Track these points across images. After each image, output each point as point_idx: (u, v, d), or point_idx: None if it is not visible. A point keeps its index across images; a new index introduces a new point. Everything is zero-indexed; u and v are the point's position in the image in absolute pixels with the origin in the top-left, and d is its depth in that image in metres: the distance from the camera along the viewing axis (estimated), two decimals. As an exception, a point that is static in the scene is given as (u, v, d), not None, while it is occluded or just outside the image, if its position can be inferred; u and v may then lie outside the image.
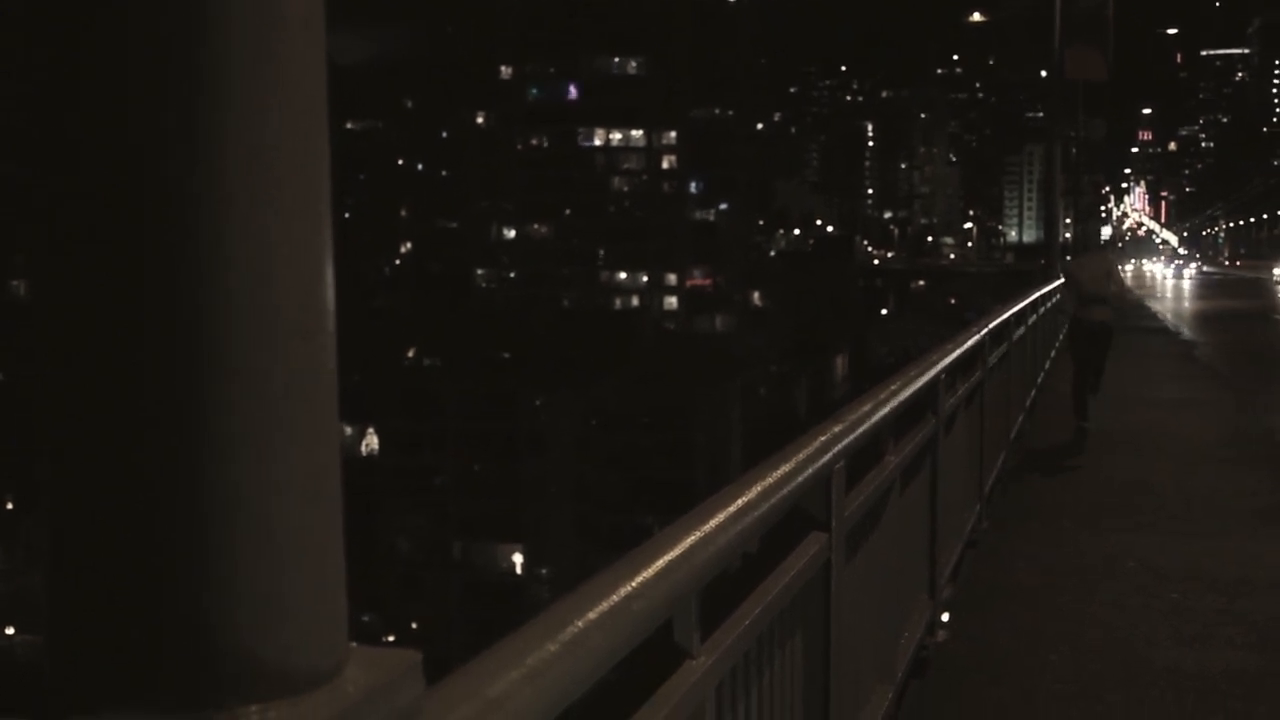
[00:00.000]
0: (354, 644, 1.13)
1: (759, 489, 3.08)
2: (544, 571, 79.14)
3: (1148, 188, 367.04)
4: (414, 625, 74.40)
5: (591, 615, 2.02)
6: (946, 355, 6.96)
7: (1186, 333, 32.70)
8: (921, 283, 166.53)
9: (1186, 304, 54.67)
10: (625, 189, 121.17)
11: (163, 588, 1.02)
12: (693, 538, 2.58)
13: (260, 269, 1.02)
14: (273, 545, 1.04)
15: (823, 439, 3.81)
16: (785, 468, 3.34)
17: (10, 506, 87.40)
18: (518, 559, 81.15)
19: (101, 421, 1.02)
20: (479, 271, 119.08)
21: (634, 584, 2.24)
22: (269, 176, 1.03)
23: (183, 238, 1.00)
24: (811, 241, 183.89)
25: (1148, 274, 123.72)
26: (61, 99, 1.02)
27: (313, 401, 1.06)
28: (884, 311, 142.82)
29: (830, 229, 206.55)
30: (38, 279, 1.05)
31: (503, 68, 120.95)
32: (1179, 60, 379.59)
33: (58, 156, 1.03)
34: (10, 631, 76.13)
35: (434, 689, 1.48)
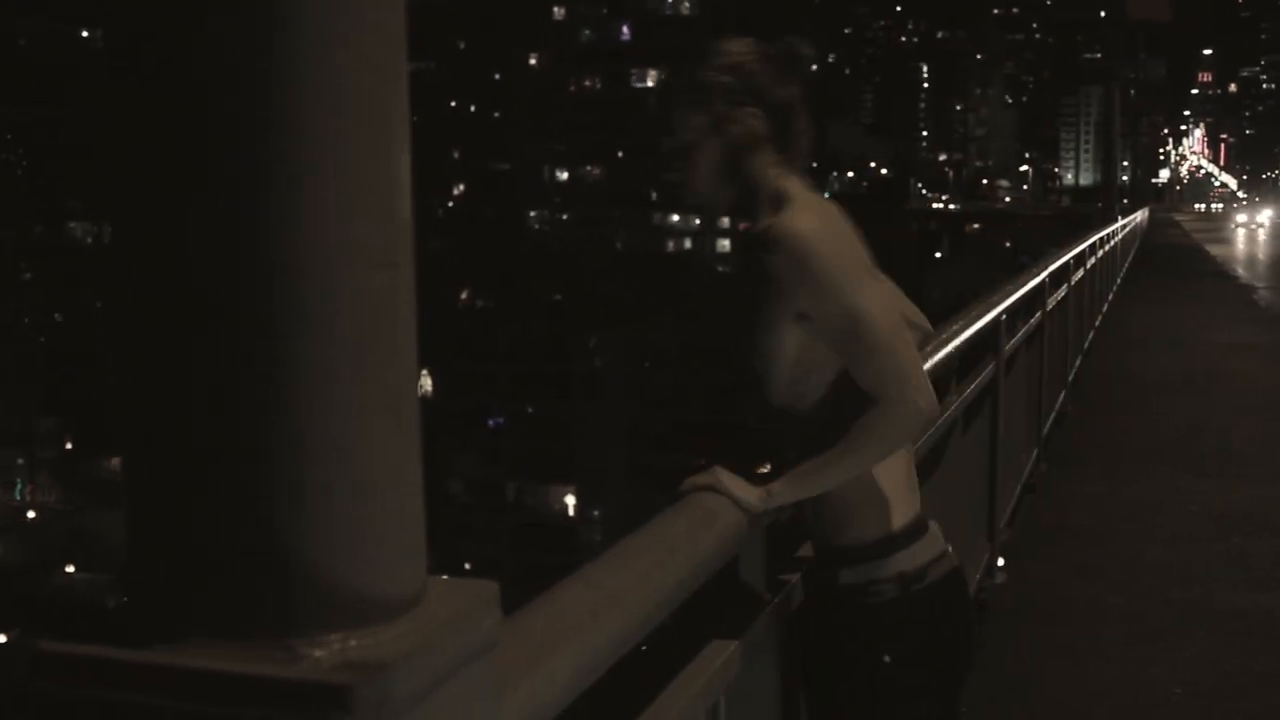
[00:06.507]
0: (435, 576, 1.14)
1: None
2: (596, 513, 79.43)
3: (1207, 130, 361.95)
4: (467, 566, 74.93)
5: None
6: (1008, 296, 6.90)
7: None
8: (976, 226, 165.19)
9: None
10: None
11: (245, 516, 1.02)
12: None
13: (337, 201, 1.02)
14: (355, 474, 1.04)
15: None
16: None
17: (69, 446, 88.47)
18: (570, 500, 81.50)
19: (182, 351, 1.03)
20: (531, 213, 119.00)
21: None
22: (345, 106, 1.02)
23: (260, 167, 1.00)
24: (865, 184, 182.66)
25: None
26: (131, 24, 1.02)
27: (393, 332, 1.07)
28: (938, 255, 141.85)
29: (884, 171, 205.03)
30: (113, 211, 1.05)
31: (555, 8, 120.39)
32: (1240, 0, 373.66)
33: (127, 83, 1.03)
34: (70, 569, 77.21)
35: (512, 618, 1.47)
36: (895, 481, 2.67)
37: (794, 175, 2.59)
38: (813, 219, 2.48)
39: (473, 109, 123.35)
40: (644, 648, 2.00)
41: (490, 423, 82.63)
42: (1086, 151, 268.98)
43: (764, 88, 2.54)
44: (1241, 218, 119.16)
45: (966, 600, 2.82)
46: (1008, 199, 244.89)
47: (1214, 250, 44.74)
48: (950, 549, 2.78)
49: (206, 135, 1.00)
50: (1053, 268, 9.79)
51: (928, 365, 4.33)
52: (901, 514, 2.67)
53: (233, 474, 1.02)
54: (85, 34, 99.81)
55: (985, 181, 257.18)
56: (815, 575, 2.75)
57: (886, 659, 2.60)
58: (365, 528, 1.04)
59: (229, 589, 1.03)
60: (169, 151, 1.01)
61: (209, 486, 1.02)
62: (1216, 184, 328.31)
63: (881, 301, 2.50)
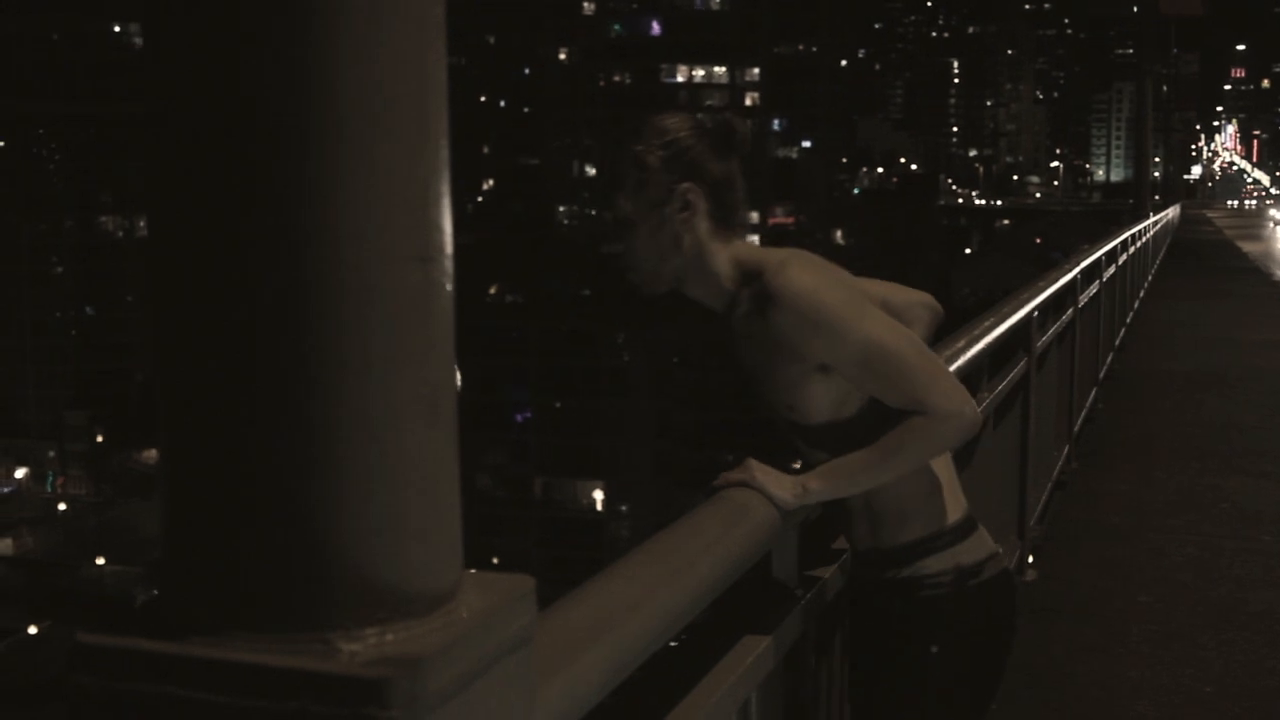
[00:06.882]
0: (470, 570, 1.14)
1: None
2: (624, 508, 79.46)
3: (1239, 126, 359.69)
4: (495, 560, 75.07)
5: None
6: (1039, 293, 6.87)
7: None
8: (1007, 222, 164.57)
9: None
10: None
11: (282, 511, 1.02)
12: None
13: (374, 193, 1.02)
14: (391, 466, 1.04)
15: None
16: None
17: (100, 439, 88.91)
18: (598, 496, 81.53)
19: (218, 345, 1.03)
20: (560, 208, 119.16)
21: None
22: (385, 102, 1.02)
23: (300, 163, 1.00)
24: (895, 180, 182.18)
25: None
26: (169, 23, 1.02)
27: (430, 325, 1.07)
28: (968, 251, 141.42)
29: (914, 167, 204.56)
30: (150, 207, 1.06)
31: (585, 3, 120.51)
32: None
33: (167, 80, 1.03)
34: (101, 561, 77.59)
35: (546, 614, 1.47)
36: (946, 478, 2.70)
37: (737, 239, 2.61)
38: (801, 271, 2.49)
39: (502, 104, 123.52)
40: (675, 644, 1.99)
41: (518, 417, 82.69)
42: (1118, 147, 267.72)
43: (700, 163, 2.53)
44: (1278, 214, 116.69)
45: (1015, 600, 2.86)
46: (1038, 195, 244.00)
47: (1247, 247, 44.39)
48: (1000, 550, 2.80)
49: (245, 133, 1.00)
50: (1084, 264, 9.75)
51: (960, 361, 4.33)
52: (954, 509, 2.70)
53: (270, 469, 1.02)
54: (116, 29, 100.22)
55: (1015, 177, 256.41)
56: (867, 571, 2.75)
57: (934, 649, 2.64)
58: (402, 522, 1.04)
59: (265, 583, 1.02)
60: (206, 149, 1.01)
61: (246, 481, 1.02)
62: (1249, 180, 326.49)
63: (886, 323, 2.51)
